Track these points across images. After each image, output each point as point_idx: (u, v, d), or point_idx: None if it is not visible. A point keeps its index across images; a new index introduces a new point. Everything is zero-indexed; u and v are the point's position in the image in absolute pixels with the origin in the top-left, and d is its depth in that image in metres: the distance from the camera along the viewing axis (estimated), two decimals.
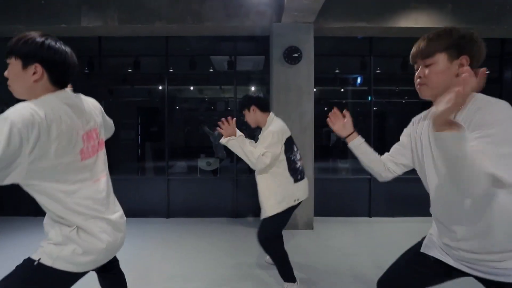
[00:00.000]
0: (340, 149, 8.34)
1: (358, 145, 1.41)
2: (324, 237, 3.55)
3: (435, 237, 1.24)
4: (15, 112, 0.95)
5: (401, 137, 1.37)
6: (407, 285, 1.28)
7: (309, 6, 3.32)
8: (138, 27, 3.91)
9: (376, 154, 1.39)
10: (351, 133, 1.44)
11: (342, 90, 8.17)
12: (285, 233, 3.55)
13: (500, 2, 3.88)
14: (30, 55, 1.05)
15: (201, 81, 6.78)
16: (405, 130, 1.36)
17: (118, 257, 1.47)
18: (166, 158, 4.44)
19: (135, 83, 6.73)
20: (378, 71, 6.21)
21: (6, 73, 1.09)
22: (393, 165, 1.33)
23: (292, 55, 3.76)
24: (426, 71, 1.10)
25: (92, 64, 4.74)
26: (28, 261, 1.07)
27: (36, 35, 1.07)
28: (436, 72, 1.08)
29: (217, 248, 3.21)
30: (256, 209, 4.29)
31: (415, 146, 1.24)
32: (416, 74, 1.15)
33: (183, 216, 4.37)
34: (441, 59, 1.08)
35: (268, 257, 2.84)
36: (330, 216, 4.31)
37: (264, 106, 2.30)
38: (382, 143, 10.09)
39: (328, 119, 1.50)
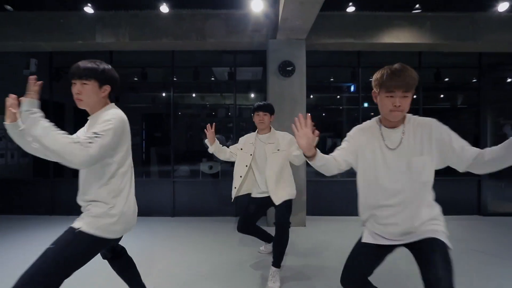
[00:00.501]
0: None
1: (320, 164, 1.51)
2: (315, 233, 3.91)
3: (371, 229, 1.61)
4: (115, 114, 1.49)
5: (345, 143, 1.63)
6: (363, 274, 1.56)
7: (301, 26, 3.74)
8: (147, 43, 4.32)
9: (330, 157, 1.57)
10: (315, 153, 1.46)
11: (338, 97, 8.60)
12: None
13: (474, 20, 4.29)
14: (107, 79, 1.55)
15: (204, 89, 7.18)
16: (350, 137, 1.64)
17: (129, 251, 1.87)
18: (172, 162, 4.82)
19: (142, 91, 7.16)
20: (371, 79, 6.60)
21: (78, 90, 1.51)
22: (343, 162, 1.60)
23: (286, 69, 4.16)
24: (403, 101, 1.42)
25: None
26: (71, 229, 1.46)
27: (106, 65, 1.58)
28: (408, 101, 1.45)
29: (218, 243, 3.58)
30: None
31: (363, 152, 1.57)
32: (396, 101, 1.42)
33: (187, 215, 4.75)
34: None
35: (263, 247, 3.21)
36: (321, 215, 4.68)
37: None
38: None
39: (295, 131, 1.45)
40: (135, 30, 4.29)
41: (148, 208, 4.66)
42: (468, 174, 4.86)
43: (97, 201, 1.49)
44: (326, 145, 9.22)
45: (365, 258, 1.58)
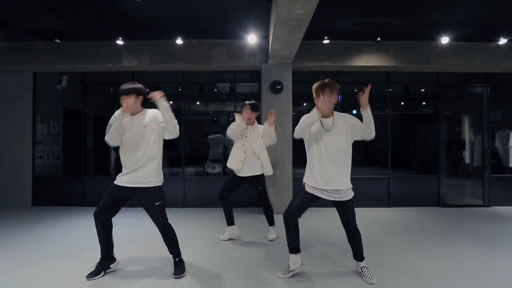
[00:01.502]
0: None
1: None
2: (308, 221, 4.88)
3: (313, 186, 2.62)
4: (155, 111, 2.68)
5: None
6: (301, 210, 2.70)
7: (286, 55, 4.74)
8: (163, 65, 5.33)
9: None
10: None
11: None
12: (275, 218, 4.89)
13: (428, 48, 5.30)
14: (140, 92, 2.63)
15: (208, 99, 8.18)
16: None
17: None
18: (183, 163, 5.81)
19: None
20: (356, 90, 7.61)
21: (127, 103, 2.60)
22: None
23: (276, 87, 5.17)
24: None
25: None
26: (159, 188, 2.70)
27: (138, 84, 2.70)
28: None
29: (221, 229, 4.55)
30: (253, 200, 5.64)
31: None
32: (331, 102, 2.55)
33: (196, 206, 5.72)
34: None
35: (271, 235, 3.94)
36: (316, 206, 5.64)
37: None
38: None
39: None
40: (154, 56, 5.30)
41: None
42: (429, 171, 6.04)
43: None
44: None
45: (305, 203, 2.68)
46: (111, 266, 2.82)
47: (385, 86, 5.94)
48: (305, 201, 2.68)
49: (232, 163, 3.67)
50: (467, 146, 7.56)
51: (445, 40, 4.85)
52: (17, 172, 5.72)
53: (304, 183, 2.72)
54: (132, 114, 2.66)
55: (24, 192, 5.72)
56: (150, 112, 2.71)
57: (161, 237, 2.79)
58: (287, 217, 2.72)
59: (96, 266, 2.73)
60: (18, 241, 3.73)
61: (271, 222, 3.92)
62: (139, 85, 2.67)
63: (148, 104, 2.67)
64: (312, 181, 2.63)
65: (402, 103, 7.08)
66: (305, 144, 2.73)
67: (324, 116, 2.59)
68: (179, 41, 4.98)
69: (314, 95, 2.59)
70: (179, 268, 2.79)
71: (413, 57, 5.33)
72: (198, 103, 9.29)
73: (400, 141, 8.51)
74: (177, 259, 2.80)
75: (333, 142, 2.54)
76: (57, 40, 4.87)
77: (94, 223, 2.64)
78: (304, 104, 9.54)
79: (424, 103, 7.18)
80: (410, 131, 8.01)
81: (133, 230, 4.23)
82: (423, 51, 5.32)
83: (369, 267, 2.81)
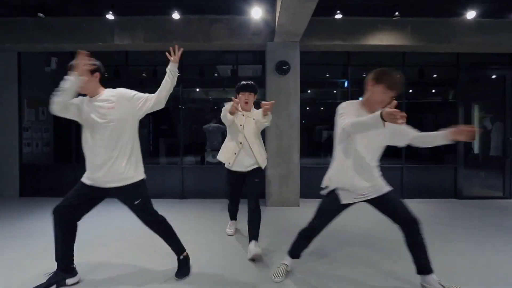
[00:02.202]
0: (331, 145, 9.27)
1: None
2: (307, 211, 4.49)
3: (348, 189, 2.17)
4: (120, 89, 2.25)
5: (347, 114, 2.03)
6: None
7: (294, 31, 4.29)
8: (159, 44, 4.88)
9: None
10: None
11: (334, 91, 9.15)
12: (276, 209, 4.54)
13: (449, 25, 4.83)
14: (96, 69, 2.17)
15: (208, 85, 7.73)
16: (345, 109, 2.08)
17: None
18: (181, 151, 5.40)
19: (151, 87, 7.70)
20: (364, 75, 7.15)
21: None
22: None
23: (282, 68, 4.72)
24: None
25: (118, 72, 5.71)
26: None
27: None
28: None
29: (220, 222, 4.18)
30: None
31: None
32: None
33: (194, 198, 5.35)
34: None
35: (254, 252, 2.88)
36: (314, 198, 5.26)
37: None
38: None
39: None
40: (149, 33, 4.84)
41: (158, 190, 5.26)
42: (446, 161, 5.58)
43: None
44: (322, 137, 9.81)
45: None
46: (67, 281, 2.17)
47: (400, 70, 5.48)
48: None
49: (224, 155, 2.98)
50: (477, 135, 7.17)
51: (471, 14, 4.37)
52: (3, 161, 5.32)
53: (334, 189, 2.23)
54: (91, 96, 2.14)
55: (10, 182, 5.33)
56: (114, 91, 2.19)
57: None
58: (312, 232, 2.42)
59: (49, 277, 2.15)
60: (1, 236, 3.36)
61: (256, 235, 2.86)
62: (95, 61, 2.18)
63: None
64: (347, 183, 2.17)
65: (415, 89, 6.64)
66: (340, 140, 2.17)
67: (371, 111, 2.00)
68: (175, 15, 4.52)
69: (373, 81, 2.00)
70: (183, 268, 2.39)
71: (432, 35, 4.87)
72: (197, 89, 8.85)
73: (414, 128, 8.07)
74: (181, 257, 2.39)
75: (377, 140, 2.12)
76: (41, 14, 4.42)
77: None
78: (309, 91, 9.11)
79: (439, 88, 6.73)
80: (423, 117, 7.59)
81: (123, 220, 3.85)
82: (444, 28, 4.85)
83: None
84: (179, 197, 5.35)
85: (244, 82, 2.94)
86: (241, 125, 2.91)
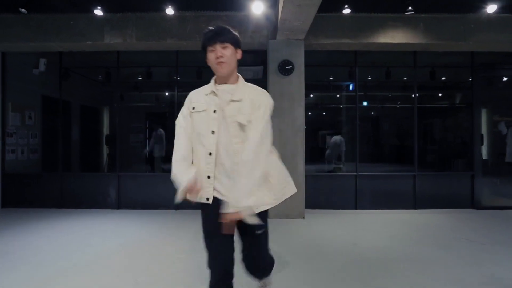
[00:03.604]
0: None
1: None
2: (313, 224, 4.10)
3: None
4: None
5: None
6: None
7: (299, 27, 3.93)
8: (152, 43, 4.53)
9: None
10: None
11: (338, 96, 8.79)
12: (279, 221, 4.14)
13: (465, 21, 4.48)
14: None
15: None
16: None
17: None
18: None
19: (146, 90, 7.37)
20: (369, 78, 6.83)
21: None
22: None
23: (285, 68, 4.36)
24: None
25: (110, 74, 5.36)
26: None
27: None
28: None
29: None
30: None
31: None
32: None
33: (191, 209, 4.93)
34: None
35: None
36: (320, 208, 4.87)
37: None
38: (369, 144, 10.58)
39: None
40: (141, 31, 4.49)
41: (154, 201, 4.85)
42: (462, 169, 5.11)
43: None
44: (326, 143, 9.42)
45: None
46: None
47: (410, 71, 5.13)
48: None
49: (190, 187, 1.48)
50: (485, 141, 6.83)
51: (492, 8, 4.01)
52: None
53: None
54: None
55: None
56: None
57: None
58: None
59: None
60: None
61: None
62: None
63: None
64: None
65: (426, 91, 6.29)
66: None
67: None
68: (169, 10, 4.17)
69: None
70: None
71: (446, 32, 4.51)
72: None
73: (425, 133, 7.71)
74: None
75: None
76: (23, 10, 4.06)
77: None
78: (311, 95, 8.77)
79: (452, 90, 6.38)
80: (436, 122, 7.21)
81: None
82: (459, 25, 4.50)
83: None
84: (174, 208, 4.94)
85: (211, 28, 1.51)
86: (214, 111, 1.48)
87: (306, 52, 4.47)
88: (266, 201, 1.51)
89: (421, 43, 4.54)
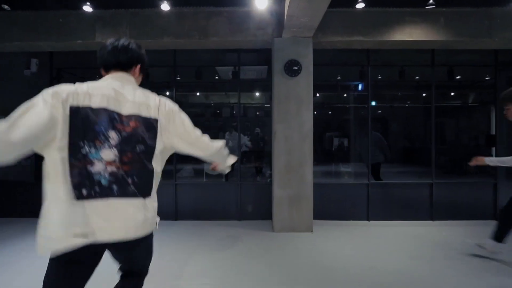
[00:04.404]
0: (342, 154, 8.54)
1: None
2: (322, 240, 3.76)
3: None
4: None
5: None
6: None
7: (308, 23, 3.56)
8: (148, 42, 4.18)
9: None
10: None
11: (345, 95, 8.39)
12: (285, 236, 3.80)
13: (491, 16, 4.06)
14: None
15: (207, 89, 7.04)
16: None
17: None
18: (174, 162, 4.68)
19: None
20: (379, 77, 6.42)
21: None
22: None
23: (292, 68, 3.99)
24: None
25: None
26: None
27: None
28: None
29: (222, 248, 3.45)
30: (260, 212, 4.54)
31: None
32: None
33: (190, 219, 4.62)
34: None
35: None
36: (329, 219, 4.52)
37: None
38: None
39: None
40: (135, 29, 4.15)
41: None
42: (483, 176, 4.60)
43: None
44: (333, 145, 9.04)
45: None
46: None
47: (424, 70, 4.74)
48: None
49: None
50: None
51: None
52: None
53: None
54: None
55: None
56: None
57: None
58: None
59: None
60: None
61: None
62: None
63: None
64: None
65: (444, 90, 5.87)
66: None
67: None
68: (165, 6, 3.82)
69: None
70: None
71: (469, 28, 4.10)
72: (198, 93, 8.17)
73: (441, 136, 7.29)
74: None
75: None
76: (6, 6, 3.74)
77: None
78: (317, 95, 8.37)
79: (473, 91, 5.96)
80: (451, 123, 6.79)
81: None
82: (484, 20, 4.09)
83: None
84: (172, 218, 4.63)
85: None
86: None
87: (314, 51, 4.10)
88: None
89: (441, 40, 4.13)
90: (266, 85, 5.17)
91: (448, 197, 4.58)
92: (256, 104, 9.29)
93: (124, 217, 1.19)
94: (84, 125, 1.15)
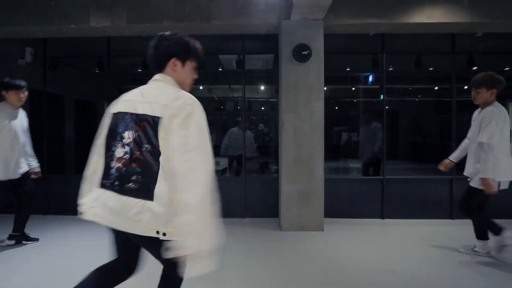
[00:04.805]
0: (351, 149, 8.20)
1: None
2: (334, 240, 3.45)
3: None
4: None
5: None
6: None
7: (319, 2, 3.24)
8: (146, 26, 3.89)
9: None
10: None
11: (353, 88, 8.04)
12: (293, 235, 3.51)
13: None
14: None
15: (210, 80, 6.74)
16: None
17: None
18: None
19: (144, 82, 6.74)
20: (391, 69, 6.06)
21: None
22: None
23: (301, 53, 3.67)
24: None
25: (102, 64, 4.75)
26: None
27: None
28: None
29: (224, 248, 3.16)
30: (266, 209, 4.24)
31: None
32: None
33: None
34: None
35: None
36: (341, 217, 4.20)
37: None
38: (394, 142, 9.87)
39: None
40: (132, 12, 3.85)
41: None
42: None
43: None
44: (342, 140, 8.70)
45: None
46: None
47: (447, 61, 4.38)
48: None
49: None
50: None
51: None
52: None
53: None
54: None
55: None
56: None
57: None
58: None
59: None
60: None
61: None
62: None
63: None
64: None
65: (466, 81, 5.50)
66: None
67: None
68: None
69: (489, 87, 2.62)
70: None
71: (498, 8, 3.74)
72: (201, 87, 7.88)
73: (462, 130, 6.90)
74: None
75: None
76: None
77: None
78: (324, 88, 8.05)
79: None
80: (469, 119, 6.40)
81: None
82: None
83: None
84: None
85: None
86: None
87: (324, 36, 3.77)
88: None
89: (465, 22, 3.78)
90: (272, 77, 4.87)
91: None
92: (261, 98, 8.97)
93: (116, 211, 1.24)
94: (111, 127, 1.35)
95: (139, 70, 5.64)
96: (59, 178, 4.56)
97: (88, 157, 1.44)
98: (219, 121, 9.04)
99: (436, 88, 7.73)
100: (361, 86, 7.90)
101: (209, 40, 4.52)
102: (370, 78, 6.88)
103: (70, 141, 6.20)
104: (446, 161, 3.12)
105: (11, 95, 3.07)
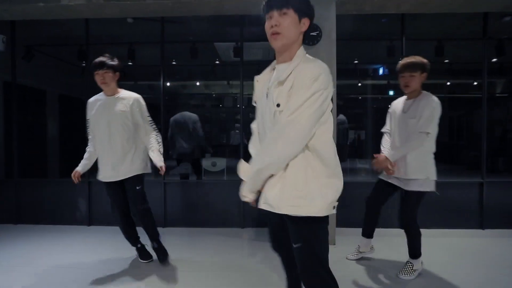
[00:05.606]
0: (359, 148, 7.65)
1: None
2: (349, 252, 2.89)
3: None
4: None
5: None
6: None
7: None
8: (127, 4, 3.33)
9: None
10: None
11: (359, 84, 7.46)
12: None
13: None
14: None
15: (206, 74, 6.21)
16: None
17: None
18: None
19: (133, 77, 6.21)
20: (400, 59, 5.50)
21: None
22: None
23: (310, 34, 3.11)
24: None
25: (84, 53, 4.20)
26: None
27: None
28: None
29: (220, 262, 2.60)
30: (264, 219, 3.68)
31: None
32: None
33: (182, 225, 3.80)
34: None
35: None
36: (355, 227, 3.64)
37: None
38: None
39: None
40: None
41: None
42: None
43: None
44: (348, 139, 8.13)
45: None
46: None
47: (477, 44, 3.82)
48: None
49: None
50: None
51: None
52: None
53: None
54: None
55: None
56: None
57: None
58: None
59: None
60: None
61: None
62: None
63: None
64: None
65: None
66: None
67: None
68: None
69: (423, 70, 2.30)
70: (161, 250, 2.65)
71: None
72: (198, 83, 7.37)
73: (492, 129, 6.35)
74: (156, 245, 2.64)
75: None
76: None
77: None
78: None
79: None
80: (501, 116, 5.78)
81: None
82: None
83: None
84: (160, 225, 3.80)
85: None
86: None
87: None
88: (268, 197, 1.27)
89: None
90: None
91: (502, 200, 3.68)
92: None
93: None
94: None
95: (130, 63, 5.09)
96: (31, 183, 4.02)
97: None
98: (215, 118, 8.53)
99: (458, 83, 7.09)
100: (369, 82, 7.35)
101: (202, 25, 3.99)
102: (381, 71, 6.34)
103: (54, 141, 5.69)
104: (381, 157, 2.47)
105: None
